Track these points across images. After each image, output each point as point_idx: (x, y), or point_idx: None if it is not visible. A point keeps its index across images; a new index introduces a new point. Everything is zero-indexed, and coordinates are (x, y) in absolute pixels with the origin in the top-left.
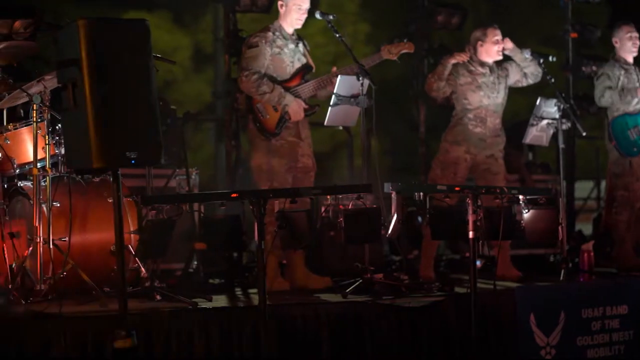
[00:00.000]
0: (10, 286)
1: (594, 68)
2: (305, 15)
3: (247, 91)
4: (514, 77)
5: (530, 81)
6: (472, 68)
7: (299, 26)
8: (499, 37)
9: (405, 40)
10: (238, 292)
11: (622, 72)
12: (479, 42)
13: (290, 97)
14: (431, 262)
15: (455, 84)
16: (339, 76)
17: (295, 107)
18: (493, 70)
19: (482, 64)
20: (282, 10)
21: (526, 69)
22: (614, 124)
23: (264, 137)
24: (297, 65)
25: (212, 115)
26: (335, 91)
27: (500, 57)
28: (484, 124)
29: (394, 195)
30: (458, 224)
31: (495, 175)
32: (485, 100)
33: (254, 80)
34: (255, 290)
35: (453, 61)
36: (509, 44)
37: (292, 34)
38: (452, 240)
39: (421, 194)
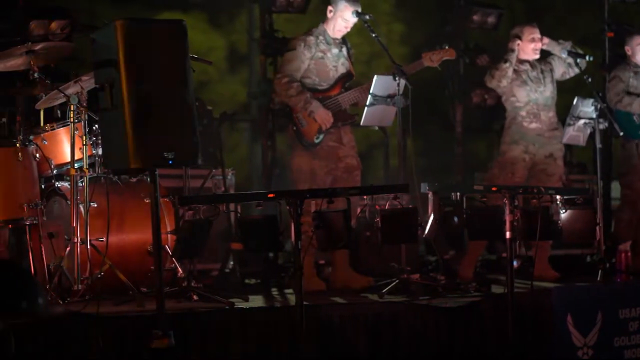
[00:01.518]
0: (48, 286)
1: None
2: (348, 30)
3: (277, 93)
4: (559, 70)
5: (578, 70)
6: (514, 67)
7: (338, 37)
8: (535, 35)
9: (446, 47)
10: (274, 292)
11: (632, 74)
12: (517, 40)
13: (317, 103)
14: (473, 263)
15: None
16: (375, 76)
17: (322, 114)
18: (534, 66)
19: (522, 61)
20: (329, 15)
21: (569, 59)
22: (618, 114)
23: (304, 146)
24: (341, 69)
25: (247, 116)
26: (371, 91)
27: (537, 56)
28: (538, 119)
29: (430, 195)
30: (495, 224)
31: (550, 177)
32: (532, 94)
33: (284, 83)
34: (291, 290)
35: (514, 47)
36: (545, 40)
37: (336, 39)
38: (489, 241)
39: (458, 194)
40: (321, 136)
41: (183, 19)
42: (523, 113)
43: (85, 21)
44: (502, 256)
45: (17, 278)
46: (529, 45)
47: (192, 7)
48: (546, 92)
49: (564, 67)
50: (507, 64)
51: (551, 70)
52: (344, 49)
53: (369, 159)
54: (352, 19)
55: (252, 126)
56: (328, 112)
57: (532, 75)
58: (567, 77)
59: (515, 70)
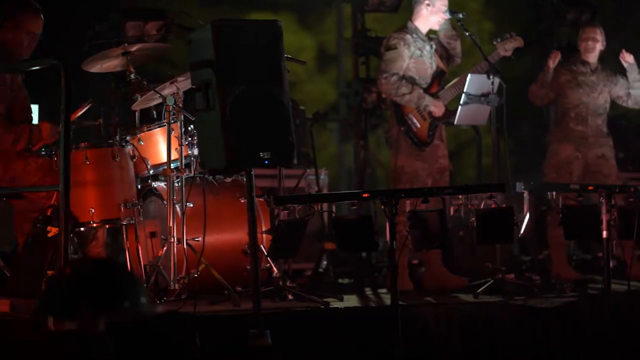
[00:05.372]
0: (145, 286)
1: None
2: (437, 28)
3: (387, 93)
4: (618, 91)
5: (630, 104)
6: (574, 67)
7: (437, 27)
8: (590, 35)
9: (512, 35)
10: (368, 292)
11: None
12: (579, 41)
13: (429, 97)
14: (565, 261)
15: (557, 84)
16: (469, 75)
17: (437, 104)
18: (596, 71)
19: (584, 63)
20: (426, 11)
21: (632, 90)
22: None
23: (418, 148)
24: (434, 66)
25: (337, 115)
26: (465, 90)
27: (590, 59)
28: (585, 123)
29: (526, 194)
30: (592, 223)
31: (607, 178)
32: (584, 97)
33: (393, 82)
34: (385, 290)
35: (552, 64)
36: (629, 58)
37: (426, 35)
38: (585, 240)
39: (554, 193)
40: (433, 135)
41: (274, 19)
42: (572, 114)
43: (179, 22)
44: (598, 256)
45: (120, 277)
46: (582, 44)
47: (281, 7)
48: (599, 99)
49: (624, 92)
50: (540, 85)
51: (612, 84)
52: (433, 46)
53: (458, 158)
54: (446, 17)
55: (341, 126)
56: (439, 102)
57: (589, 79)
58: (620, 102)
59: (573, 71)
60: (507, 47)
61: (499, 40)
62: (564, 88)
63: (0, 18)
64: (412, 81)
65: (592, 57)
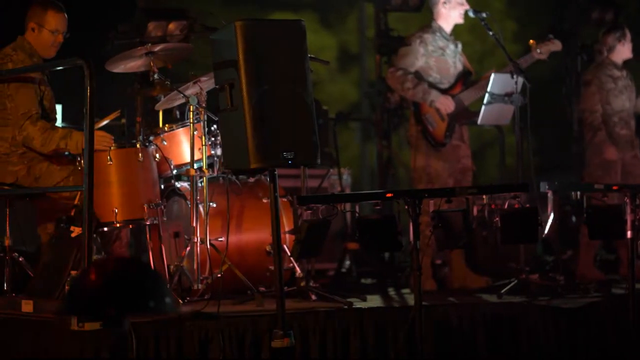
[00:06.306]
0: (168, 286)
1: None
2: (461, 21)
3: (393, 87)
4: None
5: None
6: (610, 72)
7: (461, 21)
8: (623, 37)
9: (551, 37)
10: (391, 292)
11: None
12: (610, 43)
13: (436, 92)
14: (591, 261)
15: (604, 92)
16: (493, 74)
17: (443, 100)
18: (626, 74)
19: (618, 66)
20: (444, 9)
21: None
22: None
23: (434, 148)
24: (459, 66)
25: (360, 115)
26: (488, 89)
27: (621, 61)
28: (628, 127)
29: (550, 194)
30: (616, 223)
31: (637, 178)
32: (627, 103)
33: (399, 77)
34: (408, 290)
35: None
36: None
37: (451, 34)
38: (610, 240)
39: (578, 193)
40: (450, 136)
41: (297, 19)
42: (615, 119)
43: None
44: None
45: (144, 277)
46: (617, 47)
47: (302, 7)
48: (637, 102)
49: None
50: None
51: (634, 86)
52: (459, 46)
53: (480, 158)
54: (466, 8)
55: (363, 125)
56: (448, 97)
57: (627, 83)
58: (636, 111)
59: (614, 77)
60: (542, 50)
61: (536, 41)
62: (607, 95)
63: (26, 20)
64: (420, 77)
65: (622, 59)
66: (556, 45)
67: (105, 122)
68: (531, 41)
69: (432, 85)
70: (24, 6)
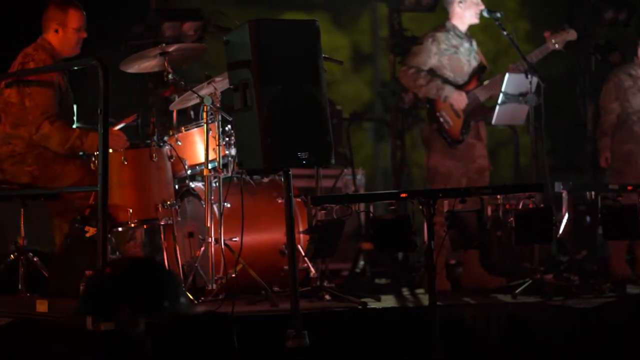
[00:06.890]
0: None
1: None
2: (477, 21)
3: (406, 85)
4: None
5: None
6: (632, 72)
7: (476, 21)
8: None
9: (565, 26)
10: (405, 292)
11: None
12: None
13: (450, 87)
14: (624, 257)
15: (622, 90)
16: (507, 74)
17: (456, 96)
18: None
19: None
20: (460, 8)
21: None
22: None
23: (450, 146)
24: (474, 64)
25: (374, 115)
26: (503, 89)
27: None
28: None
29: (565, 194)
30: (631, 223)
31: None
32: None
33: (412, 74)
34: (422, 290)
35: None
36: None
37: (466, 32)
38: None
39: (593, 193)
40: (466, 133)
41: (311, 19)
42: (635, 118)
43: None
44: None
45: (159, 277)
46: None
47: (315, 7)
48: None
49: None
50: None
51: None
52: (474, 43)
53: (494, 157)
54: (481, 7)
55: (376, 125)
56: (462, 92)
57: None
58: None
59: (632, 76)
60: (557, 40)
61: (551, 31)
62: (626, 93)
63: (47, 21)
64: (434, 74)
65: None
66: (571, 35)
67: (121, 125)
68: (546, 33)
69: (446, 81)
70: (33, 8)
